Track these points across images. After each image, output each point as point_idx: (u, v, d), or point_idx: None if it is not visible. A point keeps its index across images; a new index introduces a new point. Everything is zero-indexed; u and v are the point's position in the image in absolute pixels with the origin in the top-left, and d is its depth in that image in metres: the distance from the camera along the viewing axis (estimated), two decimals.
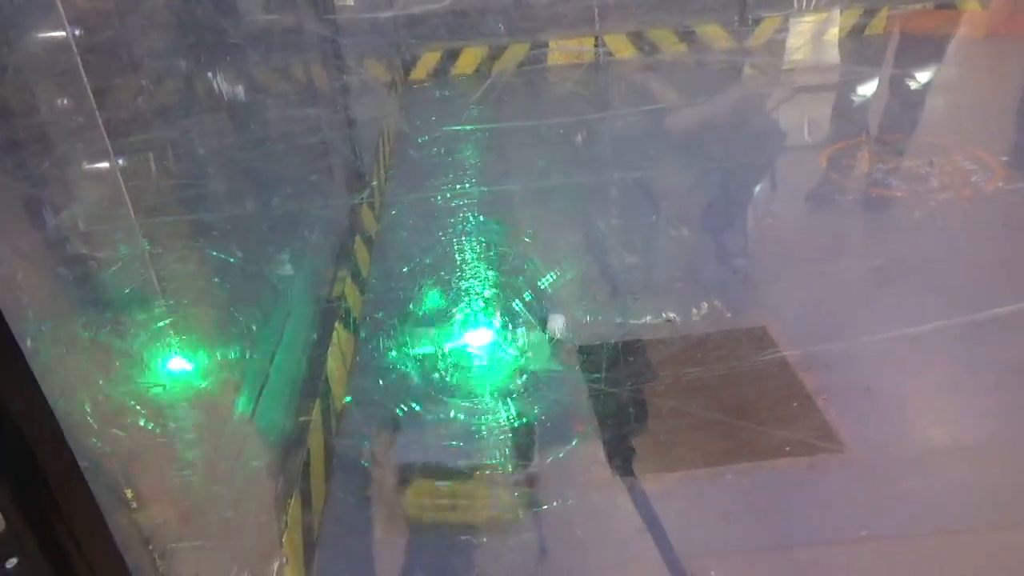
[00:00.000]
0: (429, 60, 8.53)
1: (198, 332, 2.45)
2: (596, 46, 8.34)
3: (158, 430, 2.08)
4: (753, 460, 3.03)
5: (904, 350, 3.52)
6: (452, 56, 8.49)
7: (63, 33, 1.85)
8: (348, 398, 3.55)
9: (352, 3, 6.52)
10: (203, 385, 2.38)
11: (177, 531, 1.97)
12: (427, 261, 4.85)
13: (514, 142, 6.41)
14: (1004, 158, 5.35)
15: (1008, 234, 4.52)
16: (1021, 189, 5.04)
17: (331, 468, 3.17)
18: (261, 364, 3.00)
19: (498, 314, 4.00)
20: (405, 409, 3.41)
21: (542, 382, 3.59)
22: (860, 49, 8.16)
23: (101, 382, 1.96)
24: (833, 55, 7.66)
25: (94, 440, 1.71)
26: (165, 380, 2.18)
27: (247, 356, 2.91)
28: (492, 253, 4.90)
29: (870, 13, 8.43)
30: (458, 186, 5.90)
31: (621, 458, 3.10)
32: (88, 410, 1.79)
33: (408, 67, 8.51)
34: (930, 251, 4.37)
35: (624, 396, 3.43)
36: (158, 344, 2.16)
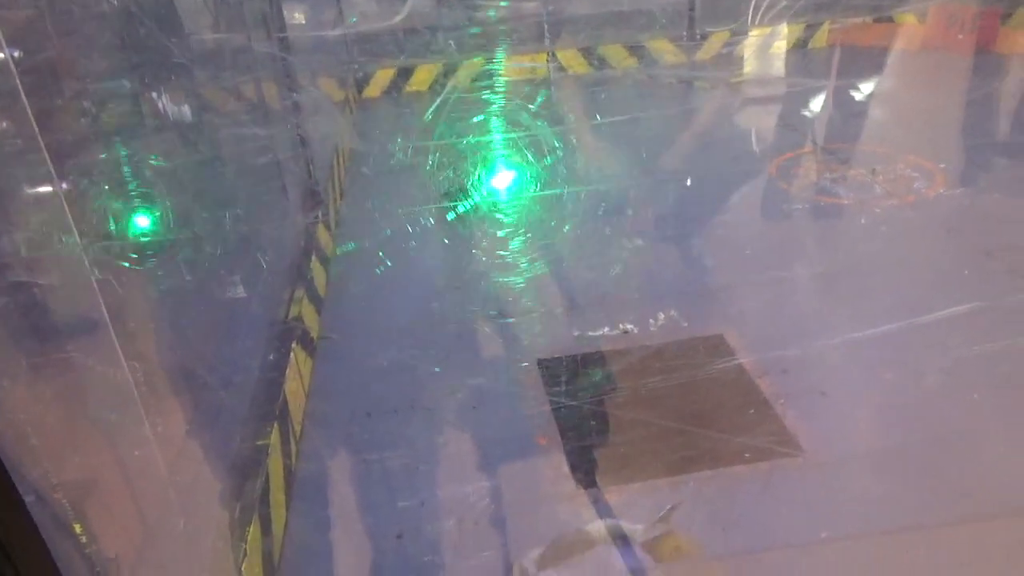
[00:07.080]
0: (382, 78, 8.51)
1: (148, 358, 2.39)
2: (548, 62, 8.43)
3: (108, 459, 2.02)
4: (714, 467, 3.05)
5: (856, 353, 3.60)
6: (406, 74, 8.49)
7: (0, 55, 1.80)
8: None
9: (304, 21, 6.49)
10: (156, 409, 2.31)
11: (130, 564, 1.91)
12: (380, 273, 4.83)
13: (469, 157, 6.41)
14: (942, 165, 5.54)
15: (951, 238, 4.67)
16: (961, 194, 5.22)
17: (291, 493, 3.11)
18: (215, 386, 2.93)
19: None
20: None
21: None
22: (804, 62, 8.40)
23: (48, 413, 1.90)
24: (779, 68, 7.88)
25: (40, 473, 1.65)
26: (115, 407, 2.12)
27: (201, 379, 2.85)
28: (447, 265, 4.91)
29: (813, 27, 8.68)
30: (414, 202, 5.88)
31: (583, 470, 3.11)
32: (35, 443, 1.72)
33: (361, 85, 8.48)
34: (878, 256, 4.49)
35: (585, 408, 3.44)
36: (107, 371, 2.11)
